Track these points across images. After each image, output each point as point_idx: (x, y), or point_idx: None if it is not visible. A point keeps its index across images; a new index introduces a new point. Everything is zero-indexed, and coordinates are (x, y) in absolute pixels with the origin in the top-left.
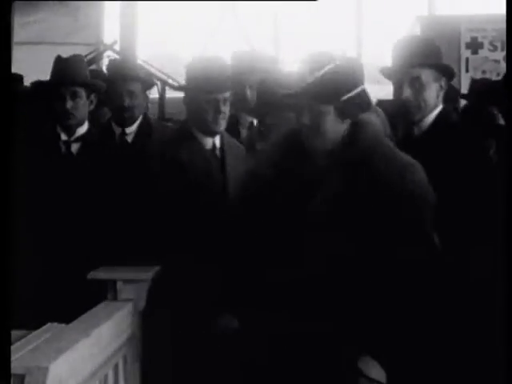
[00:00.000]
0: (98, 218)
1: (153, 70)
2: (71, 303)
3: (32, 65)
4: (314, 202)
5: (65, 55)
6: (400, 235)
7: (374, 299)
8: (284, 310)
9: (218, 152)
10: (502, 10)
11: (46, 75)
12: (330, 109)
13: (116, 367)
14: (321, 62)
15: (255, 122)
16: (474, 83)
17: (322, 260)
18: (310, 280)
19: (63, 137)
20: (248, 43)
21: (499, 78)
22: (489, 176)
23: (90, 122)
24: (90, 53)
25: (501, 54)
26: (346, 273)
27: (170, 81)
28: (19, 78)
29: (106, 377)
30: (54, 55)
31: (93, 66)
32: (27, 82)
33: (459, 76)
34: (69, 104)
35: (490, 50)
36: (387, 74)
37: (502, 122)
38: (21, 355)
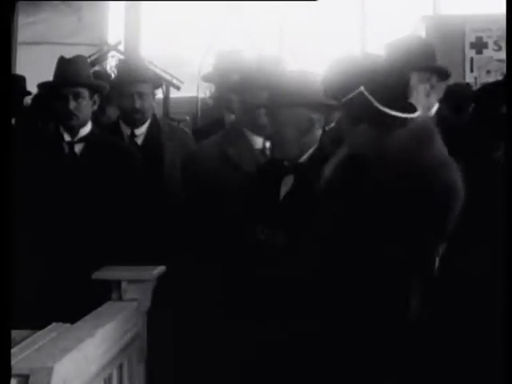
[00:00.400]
0: (101, 218)
1: (157, 71)
2: (76, 303)
3: (35, 65)
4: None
5: (68, 55)
6: (388, 234)
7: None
8: (273, 317)
9: (268, 152)
10: None
11: (49, 75)
12: None
13: (121, 367)
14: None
15: None
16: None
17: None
18: (300, 281)
19: (66, 137)
20: (253, 43)
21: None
22: (490, 177)
23: (94, 123)
24: (94, 53)
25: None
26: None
27: (175, 81)
28: (22, 79)
29: (110, 377)
30: (58, 55)
31: (97, 67)
32: (30, 83)
33: (464, 76)
34: (71, 105)
35: (494, 49)
36: None
37: None
38: (25, 355)
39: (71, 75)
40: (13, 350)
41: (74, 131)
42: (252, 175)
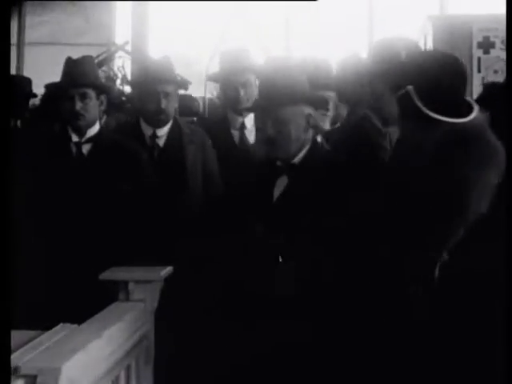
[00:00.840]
0: (109, 218)
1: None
2: (83, 304)
3: (43, 65)
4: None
5: (76, 56)
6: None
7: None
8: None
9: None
10: None
11: (57, 76)
12: None
13: (128, 368)
14: None
15: (246, 122)
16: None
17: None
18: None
19: (74, 138)
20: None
21: None
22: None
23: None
24: (102, 53)
25: None
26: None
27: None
28: (27, 80)
29: (117, 378)
30: (65, 56)
31: (104, 67)
32: (38, 83)
33: (471, 76)
34: (78, 105)
35: (501, 49)
36: None
37: None
38: (33, 356)
39: (78, 76)
40: (20, 351)
41: (81, 132)
42: (245, 177)
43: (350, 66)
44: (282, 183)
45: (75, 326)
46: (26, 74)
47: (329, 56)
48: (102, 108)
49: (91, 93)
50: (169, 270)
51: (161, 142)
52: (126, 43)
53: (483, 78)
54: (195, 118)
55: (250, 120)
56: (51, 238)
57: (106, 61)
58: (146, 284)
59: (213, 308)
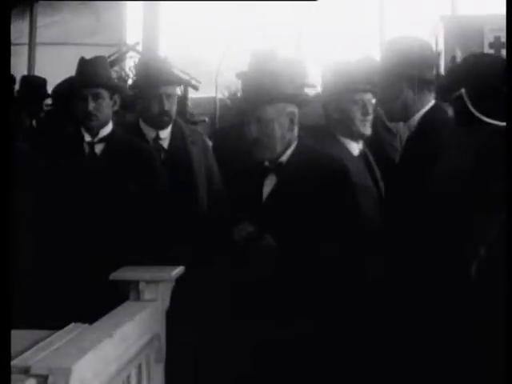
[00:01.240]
0: (121, 218)
1: (175, 71)
2: (94, 304)
3: (54, 66)
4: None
5: (87, 56)
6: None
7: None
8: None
9: (370, 158)
10: None
11: (68, 76)
12: None
13: (139, 367)
14: None
15: None
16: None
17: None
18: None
19: (87, 138)
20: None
21: None
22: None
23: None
24: (113, 54)
25: None
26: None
27: (193, 81)
28: (42, 81)
29: (129, 377)
30: (77, 56)
31: (115, 67)
32: (49, 83)
33: None
34: (91, 105)
35: None
36: None
37: None
38: (44, 355)
39: (91, 76)
40: (31, 350)
41: (94, 132)
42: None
43: (363, 68)
44: (270, 182)
45: (86, 325)
46: (37, 74)
47: (340, 56)
48: (115, 108)
49: (104, 93)
50: (180, 269)
51: (165, 144)
52: (137, 43)
53: None
54: (207, 119)
55: None
56: (63, 237)
57: (118, 61)
58: (157, 284)
59: (223, 307)
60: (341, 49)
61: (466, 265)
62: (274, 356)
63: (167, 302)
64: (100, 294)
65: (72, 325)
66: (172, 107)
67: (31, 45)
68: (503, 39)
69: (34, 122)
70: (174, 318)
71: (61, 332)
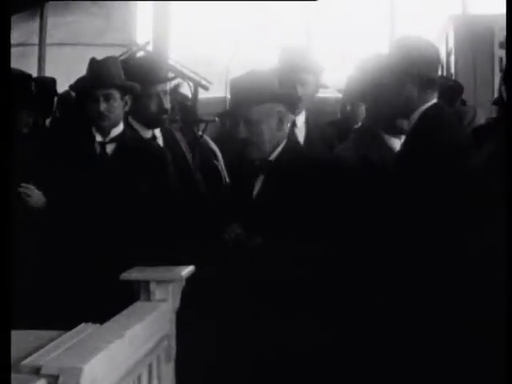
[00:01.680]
0: (132, 218)
1: (185, 71)
2: (105, 304)
3: (65, 66)
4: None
5: (98, 56)
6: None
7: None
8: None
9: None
10: None
11: (78, 76)
12: None
13: (150, 367)
14: None
15: (298, 120)
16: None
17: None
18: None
19: (98, 138)
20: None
21: None
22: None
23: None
24: (123, 53)
25: None
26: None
27: (203, 81)
28: (52, 81)
29: (139, 377)
30: (87, 56)
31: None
32: (60, 84)
33: (493, 76)
34: (102, 106)
35: None
36: None
37: None
38: (55, 355)
39: (102, 77)
40: (42, 351)
41: (105, 132)
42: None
43: (371, 67)
44: (260, 182)
45: (97, 325)
46: (47, 74)
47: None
48: (126, 108)
49: (115, 93)
50: (190, 269)
51: (161, 142)
52: (148, 43)
53: None
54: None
55: (301, 117)
56: (74, 237)
57: (128, 61)
58: (167, 284)
59: (233, 306)
60: (350, 48)
61: (466, 264)
62: (283, 356)
63: (177, 302)
64: (110, 294)
65: (83, 325)
66: (169, 104)
67: (41, 45)
68: None
69: (47, 122)
70: (183, 317)
71: (71, 332)
